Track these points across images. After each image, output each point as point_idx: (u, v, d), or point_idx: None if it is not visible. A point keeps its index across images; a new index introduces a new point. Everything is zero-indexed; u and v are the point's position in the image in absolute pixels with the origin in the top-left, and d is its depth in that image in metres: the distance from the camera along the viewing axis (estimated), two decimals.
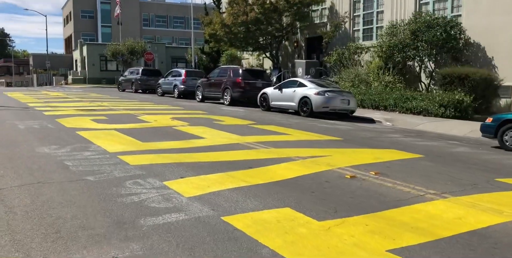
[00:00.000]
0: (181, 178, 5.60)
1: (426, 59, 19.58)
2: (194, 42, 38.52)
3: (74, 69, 57.04)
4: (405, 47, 19.12)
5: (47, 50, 63.94)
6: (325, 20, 26.64)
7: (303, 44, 28.74)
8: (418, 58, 19.56)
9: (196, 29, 39.86)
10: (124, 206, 4.39)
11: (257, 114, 15.47)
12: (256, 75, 20.37)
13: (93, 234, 3.64)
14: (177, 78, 25.44)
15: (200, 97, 22.16)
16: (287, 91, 16.38)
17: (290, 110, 17.05)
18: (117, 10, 45.52)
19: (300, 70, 24.87)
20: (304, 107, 15.45)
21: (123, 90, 32.49)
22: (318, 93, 15.01)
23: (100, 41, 59.28)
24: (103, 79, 48.64)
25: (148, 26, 65.85)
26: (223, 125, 11.26)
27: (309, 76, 19.97)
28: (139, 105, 17.84)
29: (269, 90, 17.45)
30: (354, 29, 25.02)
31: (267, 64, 31.22)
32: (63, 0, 72.45)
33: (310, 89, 15.39)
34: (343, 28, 25.30)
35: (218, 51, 35.06)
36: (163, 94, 26.96)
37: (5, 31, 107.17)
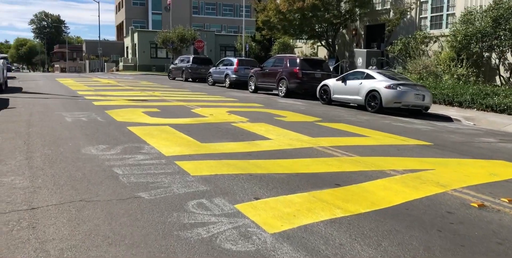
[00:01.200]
0: (256, 199, 4.40)
1: (507, 50, 17.43)
2: (244, 30, 37.27)
3: (125, 56, 57.40)
4: (485, 37, 17.06)
5: (99, 36, 64.67)
6: (388, 6, 24.66)
7: (362, 33, 26.86)
8: (499, 49, 17.42)
9: (246, 17, 38.59)
10: (190, 247, 3.22)
11: (319, 109, 14.09)
12: (315, 65, 18.91)
13: None
14: (228, 67, 24.35)
15: (253, 87, 20.98)
16: (352, 83, 14.87)
17: (352, 104, 15.57)
18: None
19: (360, 60, 23.16)
20: (372, 102, 13.89)
21: (173, 79, 31.84)
22: (389, 87, 13.41)
23: (150, 28, 59.34)
24: (153, 66, 48.48)
25: (198, 14, 65.28)
26: (287, 123, 10.00)
27: (375, 67, 18.27)
28: (192, 96, 16.87)
29: (331, 82, 15.98)
30: (421, 16, 22.96)
31: (321, 53, 29.56)
32: None
33: (379, 82, 13.80)
34: (408, 16, 23.31)
35: (269, 39, 33.73)
36: (213, 83, 26.00)
37: (61, 18, 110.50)
